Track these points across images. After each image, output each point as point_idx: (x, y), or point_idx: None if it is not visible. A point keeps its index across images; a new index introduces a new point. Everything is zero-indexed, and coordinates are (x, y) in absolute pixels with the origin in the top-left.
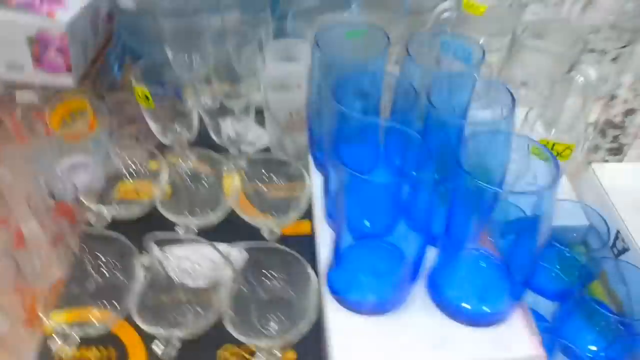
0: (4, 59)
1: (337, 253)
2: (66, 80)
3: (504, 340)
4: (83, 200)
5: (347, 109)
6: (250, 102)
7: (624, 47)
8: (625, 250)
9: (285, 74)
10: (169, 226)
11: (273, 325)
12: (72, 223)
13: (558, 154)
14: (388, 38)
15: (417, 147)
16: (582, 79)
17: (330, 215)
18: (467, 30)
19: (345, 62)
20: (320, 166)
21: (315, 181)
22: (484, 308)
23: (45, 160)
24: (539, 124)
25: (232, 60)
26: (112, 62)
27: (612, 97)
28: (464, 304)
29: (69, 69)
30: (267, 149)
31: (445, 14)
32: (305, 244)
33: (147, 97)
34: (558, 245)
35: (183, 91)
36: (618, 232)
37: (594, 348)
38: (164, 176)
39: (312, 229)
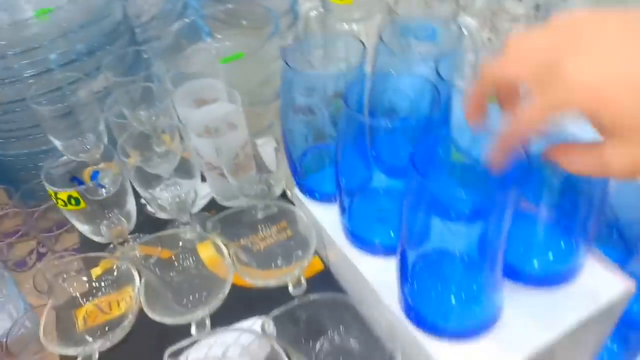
0: None
1: (406, 271)
2: None
3: (591, 289)
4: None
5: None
6: (175, 159)
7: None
8: None
9: (212, 117)
10: (166, 331)
11: None
12: None
13: None
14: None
15: None
16: (466, 31)
17: (355, 236)
18: (336, 21)
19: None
20: (311, 191)
21: (313, 210)
22: (561, 266)
23: None
24: None
25: (134, 122)
26: None
27: None
28: (537, 267)
29: None
30: (214, 204)
31: (313, 13)
32: (321, 283)
33: (76, 200)
34: None
35: (101, 176)
36: None
37: None
38: (135, 280)
39: (324, 262)
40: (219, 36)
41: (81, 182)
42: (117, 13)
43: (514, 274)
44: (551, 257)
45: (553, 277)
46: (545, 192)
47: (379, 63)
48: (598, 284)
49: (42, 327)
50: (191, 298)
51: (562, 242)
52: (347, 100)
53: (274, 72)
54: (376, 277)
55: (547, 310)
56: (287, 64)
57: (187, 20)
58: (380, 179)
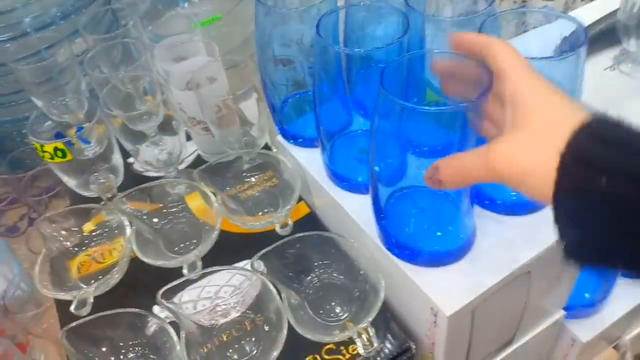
0: None
1: (380, 206)
2: None
3: None
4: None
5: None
6: (157, 116)
7: None
8: None
9: (192, 70)
10: (160, 277)
11: (340, 311)
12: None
13: None
14: None
15: None
16: None
17: (338, 177)
18: None
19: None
20: (294, 137)
21: (297, 156)
22: None
23: None
24: None
25: (116, 83)
26: None
27: None
28: (513, 195)
29: None
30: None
31: None
32: (307, 225)
33: (62, 152)
34: None
35: (86, 132)
36: None
37: None
38: (127, 228)
39: (310, 207)
40: (196, 0)
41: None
42: None
43: (492, 203)
44: None
45: (528, 204)
46: None
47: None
48: None
49: (36, 275)
50: (182, 245)
51: None
52: (319, 31)
53: (253, 32)
54: (359, 213)
55: (523, 234)
56: (260, 3)
57: None
58: (359, 122)
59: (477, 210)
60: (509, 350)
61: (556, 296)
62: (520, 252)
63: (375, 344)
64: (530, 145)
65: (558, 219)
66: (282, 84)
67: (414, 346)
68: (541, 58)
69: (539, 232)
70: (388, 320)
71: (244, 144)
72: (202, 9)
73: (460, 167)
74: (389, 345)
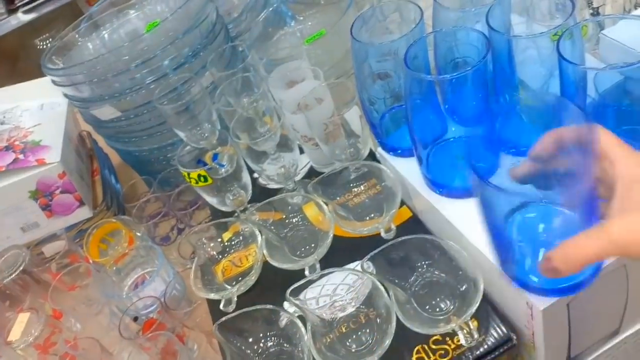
0: (17, 225)
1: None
2: (83, 213)
3: None
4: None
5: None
6: (276, 136)
7: None
8: None
9: (301, 94)
10: (286, 277)
11: (444, 306)
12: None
13: None
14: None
15: None
16: None
17: (435, 184)
18: None
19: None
20: (394, 149)
21: (396, 165)
22: None
23: (108, 291)
24: None
25: (238, 109)
26: (107, 177)
27: None
28: None
29: (81, 203)
30: (313, 171)
31: None
32: (411, 228)
33: (204, 177)
34: None
35: (220, 157)
36: None
37: None
38: (258, 237)
39: (412, 211)
40: (301, 18)
41: (205, 164)
42: (212, 15)
43: None
44: None
45: None
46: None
47: (438, 21)
48: None
49: (192, 280)
50: (302, 249)
51: None
52: (407, 62)
53: None
54: (457, 217)
55: None
56: (354, 37)
57: (271, 8)
58: (452, 130)
59: None
60: (617, 339)
61: None
62: None
63: (476, 336)
64: None
65: None
66: (380, 97)
67: (514, 337)
68: None
69: None
70: (490, 313)
71: (349, 155)
72: (306, 24)
73: (578, 251)
74: (491, 338)
